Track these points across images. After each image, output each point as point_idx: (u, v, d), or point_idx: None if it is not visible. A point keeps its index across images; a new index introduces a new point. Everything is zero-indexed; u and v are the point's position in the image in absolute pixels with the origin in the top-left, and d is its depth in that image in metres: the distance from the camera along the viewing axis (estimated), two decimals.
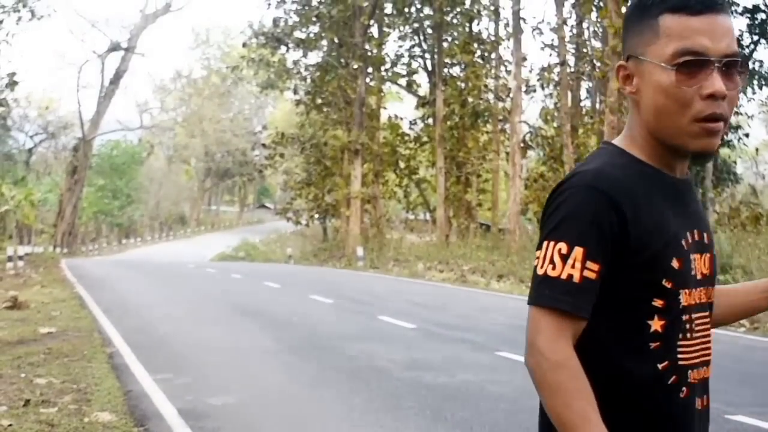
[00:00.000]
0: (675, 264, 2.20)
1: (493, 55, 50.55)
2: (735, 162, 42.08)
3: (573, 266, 2.13)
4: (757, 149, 40.61)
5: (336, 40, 52.98)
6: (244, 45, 58.68)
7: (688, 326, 2.24)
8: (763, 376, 11.92)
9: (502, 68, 49.87)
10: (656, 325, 2.20)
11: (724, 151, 36.81)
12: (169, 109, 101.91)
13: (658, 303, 2.19)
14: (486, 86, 49.84)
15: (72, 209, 67.55)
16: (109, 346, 14.02)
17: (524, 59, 43.73)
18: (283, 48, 55.40)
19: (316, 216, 60.01)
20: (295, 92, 57.30)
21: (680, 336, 2.22)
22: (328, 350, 13.62)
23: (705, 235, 2.27)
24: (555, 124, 43.47)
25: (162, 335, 15.64)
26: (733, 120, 35.45)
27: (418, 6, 52.60)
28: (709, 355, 2.30)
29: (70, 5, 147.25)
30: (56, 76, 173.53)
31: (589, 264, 2.13)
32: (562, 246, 2.14)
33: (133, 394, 10.22)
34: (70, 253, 60.41)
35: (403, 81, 58.16)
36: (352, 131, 50.19)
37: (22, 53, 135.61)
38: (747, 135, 37.67)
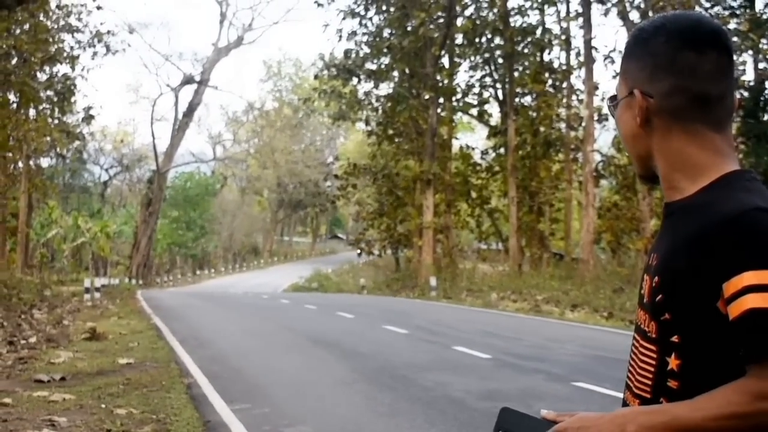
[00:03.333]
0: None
1: (564, 84, 50.34)
2: None
3: None
4: None
5: (407, 71, 53.10)
6: (315, 77, 59.09)
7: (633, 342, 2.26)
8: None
9: (574, 97, 49.63)
10: None
11: None
12: (242, 141, 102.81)
13: None
14: (558, 115, 49.63)
15: (147, 241, 68.32)
16: (187, 376, 14.15)
17: (596, 88, 43.55)
18: (355, 79, 55.59)
19: (389, 246, 60.02)
20: (367, 123, 57.43)
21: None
22: (403, 380, 13.63)
23: (654, 256, 2.19)
24: (627, 153, 43.14)
25: (238, 366, 15.75)
26: None
27: (489, 36, 52.51)
28: (631, 381, 2.20)
29: (145, 40, 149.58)
30: (131, 110, 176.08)
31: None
32: None
33: (212, 424, 10.32)
34: (145, 285, 61.02)
35: (474, 111, 58.13)
36: (424, 161, 50.25)
37: (98, 88, 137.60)
38: None
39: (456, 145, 59.14)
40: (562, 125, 49.97)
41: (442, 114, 53.32)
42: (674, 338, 2.07)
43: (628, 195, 42.11)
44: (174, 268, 79.98)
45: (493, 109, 57.91)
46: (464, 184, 55.72)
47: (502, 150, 53.87)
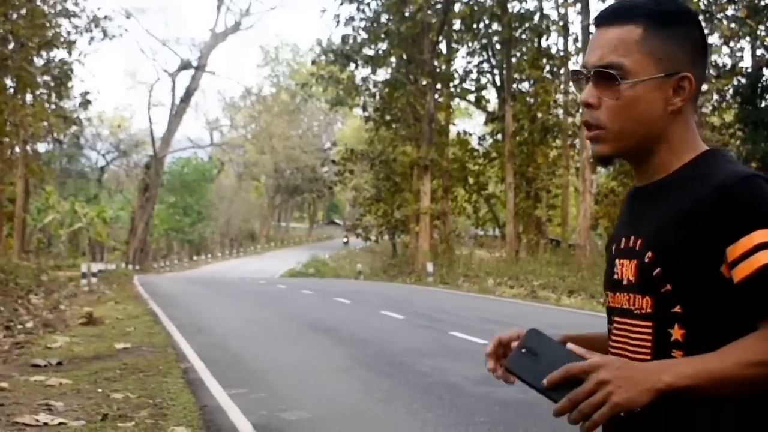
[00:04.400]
0: (606, 267, 2.32)
1: (562, 71, 50.30)
2: None
3: None
4: None
5: (405, 57, 53.00)
6: (313, 62, 59.03)
7: (610, 327, 2.30)
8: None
9: (572, 83, 49.63)
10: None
11: None
12: (239, 127, 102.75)
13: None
14: (555, 101, 49.65)
15: (144, 226, 68.32)
16: (184, 361, 14.16)
17: None
18: (352, 65, 55.56)
19: (386, 232, 60.07)
20: (364, 109, 57.40)
21: (609, 336, 2.31)
22: (400, 366, 13.64)
23: (639, 241, 2.19)
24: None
25: (235, 351, 15.76)
26: None
27: (487, 22, 52.42)
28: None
29: (142, 25, 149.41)
30: (128, 95, 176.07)
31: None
32: None
33: (209, 409, 10.32)
34: (142, 270, 61.01)
35: (471, 97, 58.06)
36: (421, 147, 50.24)
37: (95, 73, 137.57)
38: None
39: (453, 131, 59.13)
40: (560, 111, 49.98)
41: (440, 100, 53.30)
42: (676, 309, 2.11)
43: (626, 181, 42.06)
44: (171, 254, 79.95)
45: (491, 95, 58.00)
46: (461, 170, 55.73)
47: (499, 136, 53.86)
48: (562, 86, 49.53)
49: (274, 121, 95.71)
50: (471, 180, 56.65)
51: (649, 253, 2.15)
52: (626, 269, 2.22)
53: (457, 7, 51.49)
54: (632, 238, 2.22)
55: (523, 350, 2.06)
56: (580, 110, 32.17)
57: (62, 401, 10.39)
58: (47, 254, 58.10)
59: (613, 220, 42.28)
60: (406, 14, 51.29)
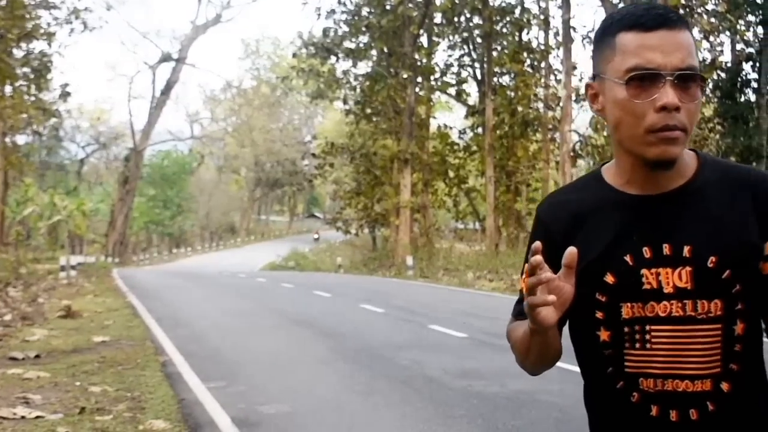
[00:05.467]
0: (609, 279, 2.33)
1: (542, 64, 50.43)
2: None
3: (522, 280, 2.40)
4: None
5: (385, 50, 53.03)
6: (294, 55, 59.01)
7: (638, 336, 2.31)
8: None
9: (552, 77, 49.78)
10: (604, 335, 2.37)
11: None
12: (220, 120, 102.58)
13: (599, 315, 2.36)
14: (536, 95, 49.76)
15: (123, 219, 68.14)
16: (162, 354, 14.12)
17: (574, 68, 43.64)
18: (333, 58, 55.61)
19: (366, 225, 60.08)
20: (345, 102, 57.42)
21: (626, 345, 2.33)
22: (379, 359, 13.63)
23: (687, 248, 2.26)
24: (605, 133, 43.28)
25: (214, 344, 15.73)
26: None
27: (468, 15, 52.51)
28: (687, 369, 2.27)
29: (122, 17, 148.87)
30: (108, 88, 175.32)
31: (524, 277, 2.34)
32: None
33: (187, 402, 10.29)
34: (122, 263, 60.91)
35: (452, 90, 58.14)
36: (402, 141, 50.27)
37: (75, 65, 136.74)
38: None
39: (434, 124, 59.31)
40: (540, 105, 50.13)
41: (420, 93, 53.33)
42: (739, 306, 2.24)
43: None
44: (150, 247, 79.81)
45: (472, 89, 58.08)
46: (442, 164, 55.84)
47: (479, 129, 53.96)
48: (542, 80, 49.63)
49: (255, 114, 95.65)
50: (451, 173, 56.77)
51: (712, 258, 2.23)
52: (672, 277, 2.27)
53: (438, 0, 51.48)
54: (666, 246, 2.28)
55: None
56: (560, 104, 32.12)
57: (40, 394, 10.35)
58: (26, 247, 57.76)
59: None
60: (387, 7, 51.35)
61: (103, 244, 68.37)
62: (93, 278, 37.11)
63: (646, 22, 2.23)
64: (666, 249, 2.27)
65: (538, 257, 2.16)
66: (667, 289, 2.26)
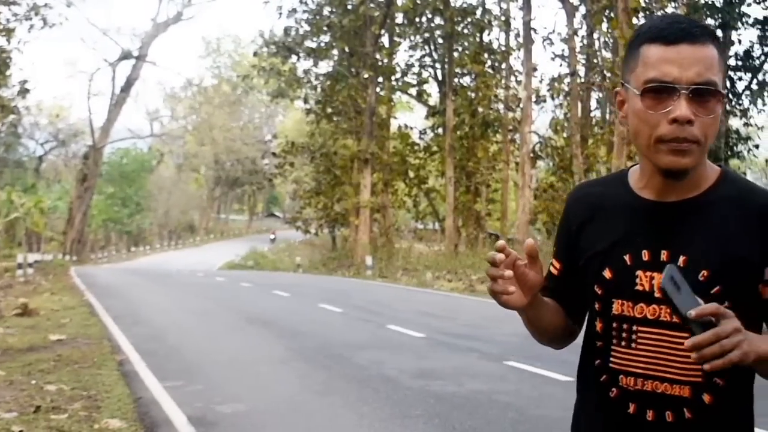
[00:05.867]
0: (607, 273, 2.44)
1: (503, 65, 50.66)
2: (744, 173, 41.95)
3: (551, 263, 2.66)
4: (767, 160, 40.36)
5: (347, 50, 53.04)
6: (255, 54, 58.85)
7: (624, 335, 2.41)
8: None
9: (513, 78, 49.99)
10: (598, 326, 2.48)
11: (733, 162, 36.75)
12: (180, 118, 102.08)
13: (596, 306, 2.48)
14: (496, 96, 49.95)
15: (81, 217, 67.63)
16: (119, 353, 14.05)
17: (535, 69, 43.83)
18: (294, 57, 55.57)
19: (325, 225, 60.05)
20: (306, 101, 57.40)
21: (614, 341, 2.43)
22: (337, 359, 13.63)
23: (683, 258, 2.31)
24: (565, 135, 43.55)
25: (172, 343, 15.67)
26: (743, 131, 35.34)
27: (429, 16, 52.65)
28: (667, 372, 2.33)
29: (82, 14, 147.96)
30: (67, 84, 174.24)
31: (553, 261, 2.67)
32: None
33: (143, 401, 10.25)
34: (80, 261, 60.46)
35: (413, 91, 58.30)
36: (362, 141, 50.26)
37: (34, 61, 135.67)
38: (757, 146, 37.54)
39: (394, 124, 59.28)
40: (501, 106, 50.34)
41: (381, 93, 53.33)
42: None
43: (564, 176, 42.39)
44: (109, 245, 79.25)
45: (432, 89, 58.30)
46: (402, 164, 55.87)
47: (440, 130, 54.15)
48: (503, 81, 49.83)
49: (215, 113, 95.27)
50: (411, 174, 56.83)
51: (704, 272, 2.30)
52: (657, 281, 2.34)
53: (399, 0, 51.53)
54: (664, 252, 2.36)
55: (672, 279, 2.11)
56: (521, 105, 32.31)
57: None
58: None
59: (552, 215, 42.49)
60: (349, 7, 51.38)
61: (61, 242, 67.82)
62: (50, 276, 36.85)
63: (669, 35, 2.28)
64: (663, 255, 2.34)
65: (500, 255, 2.43)
66: (658, 294, 2.32)
